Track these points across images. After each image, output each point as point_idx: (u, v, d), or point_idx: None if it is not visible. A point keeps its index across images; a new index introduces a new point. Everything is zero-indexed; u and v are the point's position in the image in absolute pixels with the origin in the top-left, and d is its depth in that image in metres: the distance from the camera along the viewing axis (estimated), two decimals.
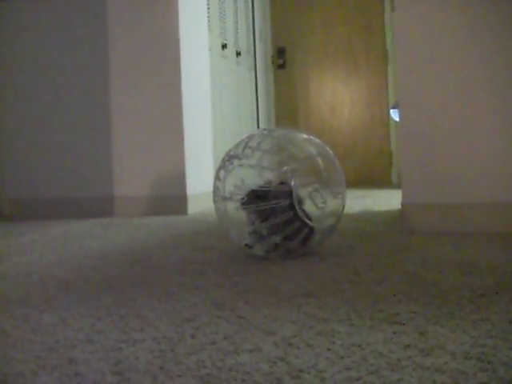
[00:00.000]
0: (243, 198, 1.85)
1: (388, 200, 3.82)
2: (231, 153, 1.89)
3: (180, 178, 3.47)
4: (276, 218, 1.78)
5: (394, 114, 4.05)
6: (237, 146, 1.89)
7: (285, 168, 1.83)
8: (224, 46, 4.55)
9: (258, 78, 5.56)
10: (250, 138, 1.89)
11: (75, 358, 0.97)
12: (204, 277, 1.61)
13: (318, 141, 1.92)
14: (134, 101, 3.55)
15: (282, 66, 5.91)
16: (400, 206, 2.43)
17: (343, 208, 1.90)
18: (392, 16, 5.26)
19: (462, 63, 2.28)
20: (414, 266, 1.64)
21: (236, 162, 1.86)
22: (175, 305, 1.30)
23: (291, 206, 1.78)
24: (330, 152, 1.91)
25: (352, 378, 0.83)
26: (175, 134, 3.48)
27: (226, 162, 1.89)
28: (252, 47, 5.43)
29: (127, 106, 3.56)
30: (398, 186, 4.59)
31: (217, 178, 1.91)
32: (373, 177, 5.53)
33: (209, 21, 4.13)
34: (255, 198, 1.83)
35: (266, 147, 1.88)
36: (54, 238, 2.60)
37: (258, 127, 5.49)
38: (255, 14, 5.52)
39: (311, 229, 1.82)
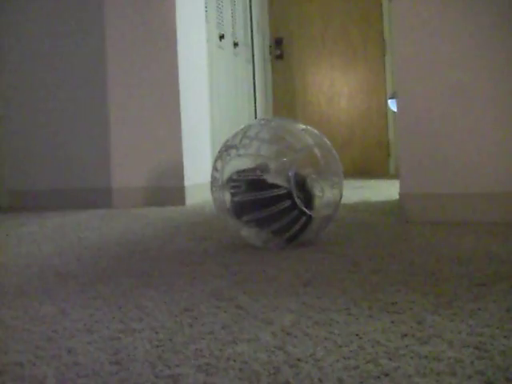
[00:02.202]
0: (240, 187, 1.84)
1: (386, 190, 3.82)
2: (228, 143, 1.88)
3: (178, 169, 3.46)
4: (273, 207, 1.78)
5: (392, 105, 4.05)
6: (234, 136, 1.89)
7: (284, 159, 1.83)
8: (221, 37, 4.54)
9: (256, 69, 5.55)
10: (248, 128, 1.88)
11: (74, 348, 0.97)
12: (202, 267, 1.61)
13: (315, 131, 1.92)
14: (131, 92, 3.54)
15: (279, 57, 5.90)
16: (398, 196, 2.43)
17: (341, 198, 1.90)
18: (390, 6, 5.25)
19: (460, 53, 2.27)
20: (411, 255, 1.65)
21: (234, 152, 1.86)
22: (173, 295, 1.30)
23: (289, 195, 1.78)
24: (328, 142, 1.90)
25: (350, 366, 0.84)
26: (173, 125, 3.48)
27: (224, 153, 1.88)
28: (249, 38, 5.42)
29: (125, 97, 3.55)
30: (395, 176, 4.59)
31: (214, 168, 1.91)
32: (370, 167, 5.54)
33: (206, 11, 4.11)
34: (252, 187, 1.82)
35: (264, 137, 1.88)
36: (52, 229, 2.60)
37: (256, 118, 5.48)
38: (252, 4, 5.49)
39: (309, 218, 1.82)
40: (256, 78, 5.53)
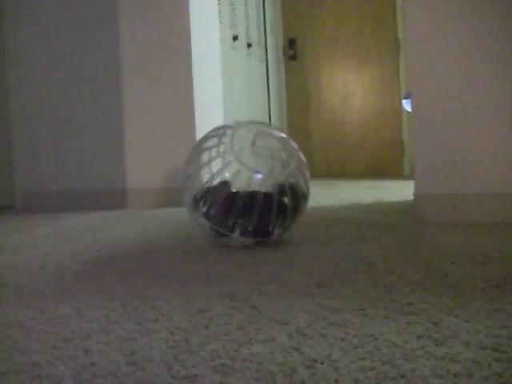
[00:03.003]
0: (207, 200, 1.88)
1: (400, 191, 3.80)
2: (188, 171, 1.96)
3: None
4: (240, 199, 1.81)
5: (407, 105, 4.03)
6: (190, 157, 1.97)
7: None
8: (235, 38, 4.54)
9: (269, 70, 5.55)
10: (203, 141, 1.94)
11: (90, 349, 0.98)
12: (217, 267, 1.61)
13: (272, 129, 1.98)
14: (145, 93, 3.55)
15: (293, 58, 5.89)
16: (412, 197, 2.42)
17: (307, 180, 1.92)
18: (403, 5, 5.23)
19: (475, 52, 2.26)
20: (427, 256, 1.64)
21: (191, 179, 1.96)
22: (188, 295, 1.31)
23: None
24: (284, 135, 1.97)
25: (366, 367, 0.83)
26: (187, 126, 3.48)
27: (186, 182, 1.97)
28: (263, 39, 5.42)
29: (139, 98, 3.57)
30: (410, 177, 4.57)
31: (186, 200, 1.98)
32: (385, 167, 5.51)
33: (219, 12, 4.12)
34: (219, 192, 1.87)
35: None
36: (66, 230, 2.61)
37: (270, 119, 5.48)
38: (266, 5, 5.50)
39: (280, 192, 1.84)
40: (270, 79, 5.53)
